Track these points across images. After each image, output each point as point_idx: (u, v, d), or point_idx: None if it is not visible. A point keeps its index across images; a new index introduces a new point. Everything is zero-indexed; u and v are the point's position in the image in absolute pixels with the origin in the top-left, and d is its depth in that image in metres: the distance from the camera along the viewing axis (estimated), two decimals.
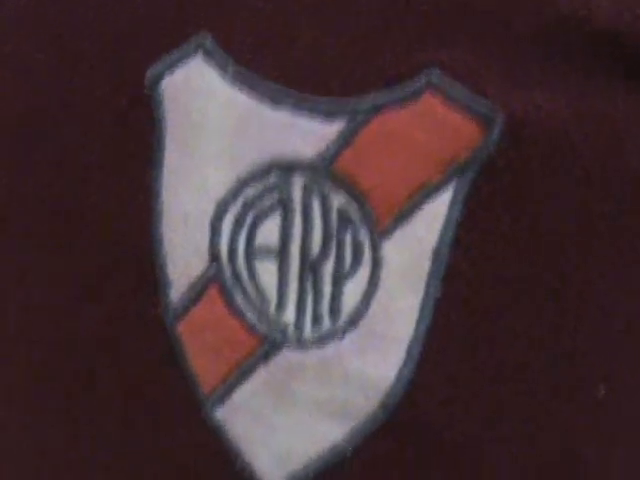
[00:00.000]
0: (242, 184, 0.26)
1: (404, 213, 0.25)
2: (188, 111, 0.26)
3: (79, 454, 0.29)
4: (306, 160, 0.25)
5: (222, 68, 0.25)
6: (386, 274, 0.25)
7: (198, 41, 0.26)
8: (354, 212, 0.25)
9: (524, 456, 0.25)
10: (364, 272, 0.25)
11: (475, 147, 0.24)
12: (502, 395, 0.25)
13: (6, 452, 0.31)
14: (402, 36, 0.24)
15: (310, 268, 0.25)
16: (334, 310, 0.25)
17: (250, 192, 0.26)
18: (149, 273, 0.27)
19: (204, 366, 0.27)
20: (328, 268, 0.25)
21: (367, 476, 0.26)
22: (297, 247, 0.25)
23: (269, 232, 0.26)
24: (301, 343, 0.26)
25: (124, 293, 0.28)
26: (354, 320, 0.25)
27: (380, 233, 0.25)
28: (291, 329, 0.26)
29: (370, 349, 0.25)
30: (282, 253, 0.26)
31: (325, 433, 0.26)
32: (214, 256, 0.26)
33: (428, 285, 0.25)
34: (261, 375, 0.26)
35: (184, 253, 0.27)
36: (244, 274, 0.26)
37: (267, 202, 0.26)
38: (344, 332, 0.25)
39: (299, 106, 0.25)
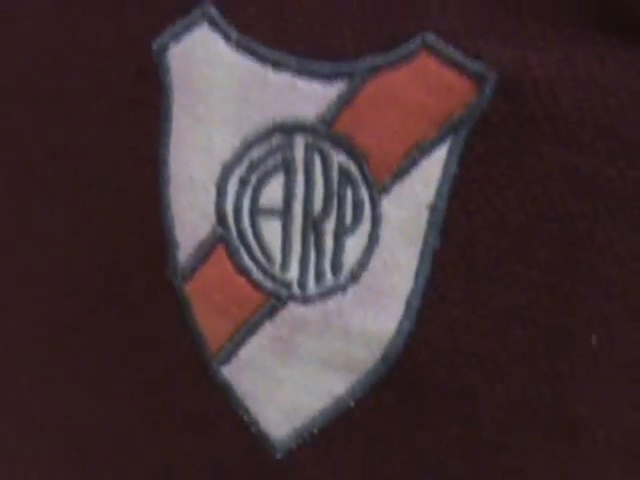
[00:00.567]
0: (246, 146, 0.27)
1: (401, 170, 0.26)
2: (194, 78, 0.27)
3: (90, 408, 0.30)
4: (307, 121, 0.26)
5: (226, 36, 0.26)
6: (385, 229, 0.26)
7: (202, 10, 0.27)
8: (354, 170, 0.26)
9: (519, 405, 0.26)
10: (364, 228, 0.26)
11: (469, 104, 0.25)
12: (500, 344, 0.26)
13: (24, 418, 0.32)
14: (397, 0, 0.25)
15: (312, 226, 0.26)
16: (336, 265, 0.26)
17: (254, 154, 0.27)
18: (157, 236, 0.28)
19: (211, 325, 0.28)
20: (330, 225, 0.26)
21: (370, 428, 0.27)
22: (300, 206, 0.26)
23: (273, 192, 0.27)
24: (305, 298, 0.27)
25: (133, 256, 0.29)
26: (355, 275, 0.26)
27: (379, 190, 0.26)
28: (295, 285, 0.27)
29: (371, 303, 0.26)
30: (285, 212, 0.27)
31: (329, 387, 0.27)
32: (220, 217, 0.27)
33: (426, 238, 0.26)
34: (267, 331, 0.27)
35: (191, 215, 0.28)
36: (249, 234, 0.27)
37: (271, 163, 0.27)
38: (346, 287, 0.26)
39: (299, 70, 0.26)
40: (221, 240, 0.27)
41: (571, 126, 0.25)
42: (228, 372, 0.28)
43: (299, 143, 0.26)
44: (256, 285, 0.27)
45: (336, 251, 0.26)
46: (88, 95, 0.29)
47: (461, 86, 0.25)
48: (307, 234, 0.27)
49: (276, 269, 0.27)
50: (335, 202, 0.26)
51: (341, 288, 0.27)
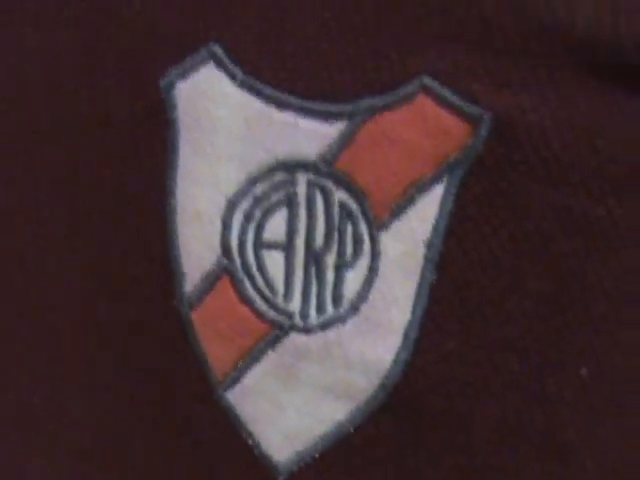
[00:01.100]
0: (251, 182, 0.28)
1: (400, 207, 0.27)
2: (200, 115, 0.28)
3: (100, 427, 0.31)
4: (309, 159, 0.27)
5: (231, 75, 0.27)
6: (384, 263, 0.27)
7: (209, 50, 0.28)
8: (354, 207, 0.27)
9: (512, 429, 0.27)
10: (364, 262, 0.27)
11: (464, 146, 0.26)
12: (493, 373, 0.27)
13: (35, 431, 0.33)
14: (395, 41, 0.26)
15: (314, 259, 0.28)
16: (336, 298, 0.28)
17: (258, 190, 0.28)
18: (164, 265, 0.29)
19: (216, 352, 0.29)
20: (331, 259, 0.27)
21: (368, 453, 0.28)
22: (302, 240, 0.28)
23: (276, 226, 0.28)
24: (307, 328, 0.28)
25: (141, 284, 0.30)
26: (355, 306, 0.27)
27: (378, 226, 0.27)
28: (297, 315, 0.28)
29: (370, 333, 0.27)
30: (288, 246, 0.28)
31: (329, 412, 0.28)
32: (225, 249, 0.28)
33: (423, 272, 0.27)
34: (270, 359, 0.28)
35: (197, 247, 0.29)
36: (253, 265, 0.28)
37: (274, 199, 0.28)
38: (345, 318, 0.27)
39: (302, 110, 0.27)
40: (226, 271, 0.28)
41: (562, 168, 0.26)
42: (232, 397, 0.29)
43: (301, 180, 0.27)
44: (259, 315, 0.28)
45: (337, 284, 0.27)
46: (98, 129, 0.30)
47: (457, 128, 0.26)
48: (309, 267, 0.28)
49: (279, 300, 0.28)
50: (336, 237, 0.27)
51: (341, 319, 0.28)
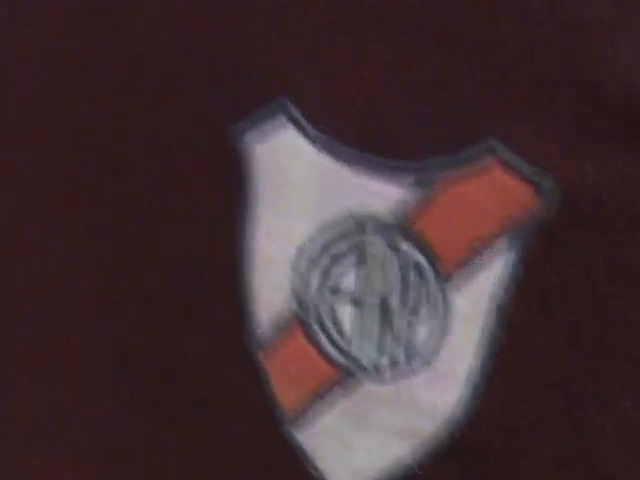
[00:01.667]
0: (321, 233, 0.29)
1: (468, 264, 0.28)
2: (275, 171, 0.29)
3: (151, 457, 0.33)
4: (379, 215, 0.28)
5: (304, 132, 0.29)
6: (454, 319, 0.28)
7: (283, 108, 0.29)
8: (425, 264, 0.28)
9: (561, 468, 0.29)
10: (436, 319, 0.29)
11: (530, 209, 0.27)
12: (546, 410, 0.29)
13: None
14: (463, 102, 0.28)
15: (386, 313, 0.29)
16: (409, 353, 0.29)
17: (328, 239, 0.29)
18: (235, 307, 0.31)
19: (286, 393, 0.31)
20: (404, 314, 0.29)
21: None
22: (374, 293, 0.29)
23: (347, 277, 0.29)
24: (379, 379, 0.29)
25: (213, 322, 0.31)
26: (427, 360, 0.29)
27: (448, 282, 0.28)
28: (371, 367, 0.29)
29: (438, 382, 0.29)
30: (360, 297, 0.29)
31: (396, 452, 0.30)
32: (295, 295, 0.30)
33: (488, 324, 0.28)
34: (342, 404, 0.30)
35: (268, 291, 0.30)
36: (325, 313, 0.30)
37: (343, 249, 0.29)
38: (418, 370, 0.29)
39: (373, 168, 0.28)
40: (297, 316, 0.30)
41: (616, 224, 0.27)
42: (301, 436, 0.31)
43: (372, 236, 0.29)
44: (330, 361, 0.30)
45: (410, 339, 0.29)
46: (175, 174, 0.31)
47: (522, 191, 0.27)
48: (381, 321, 0.29)
49: (352, 350, 0.30)
50: (408, 293, 0.29)
51: (413, 372, 0.29)
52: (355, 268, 0.29)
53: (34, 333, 0.35)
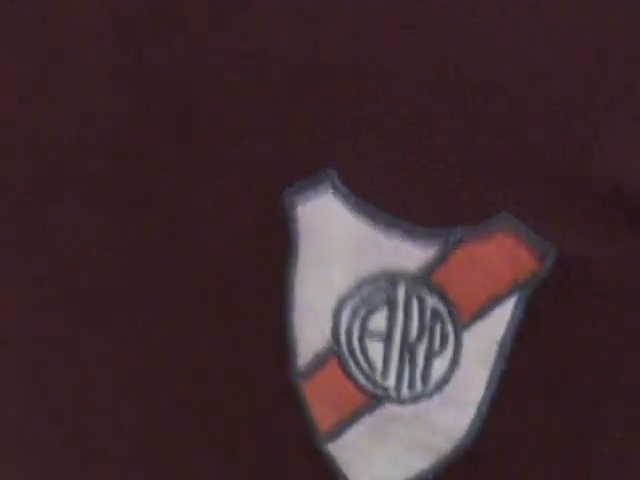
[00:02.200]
0: (358, 286, 0.35)
1: (479, 313, 0.34)
2: (318, 231, 0.35)
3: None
4: (408, 272, 0.34)
5: (345, 199, 0.34)
6: (464, 355, 0.35)
7: (326, 174, 0.34)
8: (443, 310, 0.34)
9: (566, 475, 0.36)
10: (449, 353, 0.35)
11: (533, 272, 0.33)
12: (546, 434, 0.35)
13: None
14: (481, 182, 0.33)
15: (408, 349, 0.35)
16: (425, 378, 0.35)
17: (364, 291, 0.35)
18: (280, 344, 0.36)
19: (321, 414, 0.36)
20: (422, 348, 0.35)
21: None
22: (399, 333, 0.35)
23: (378, 321, 0.35)
24: (399, 400, 0.35)
25: (260, 356, 0.37)
26: (439, 386, 0.35)
27: (461, 326, 0.34)
28: (392, 391, 0.35)
29: (450, 406, 0.35)
30: (387, 336, 0.35)
31: (413, 463, 0.36)
32: (334, 336, 0.35)
33: (495, 363, 0.34)
34: (366, 422, 0.36)
35: (309, 332, 0.36)
36: (357, 350, 0.35)
37: (377, 299, 0.35)
38: (432, 394, 0.35)
39: (405, 233, 0.34)
40: (334, 353, 0.36)
41: (611, 289, 0.33)
42: (332, 448, 0.37)
43: (401, 286, 0.35)
44: (359, 387, 0.36)
45: (426, 368, 0.35)
46: (229, 234, 0.36)
47: (529, 256, 0.33)
48: (404, 354, 0.35)
49: (377, 377, 0.35)
50: (427, 332, 0.35)
51: (428, 395, 0.35)
52: (385, 314, 0.35)
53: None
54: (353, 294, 0.35)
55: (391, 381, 0.35)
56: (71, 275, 0.39)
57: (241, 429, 0.38)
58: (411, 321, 0.35)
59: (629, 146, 0.32)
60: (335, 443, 0.37)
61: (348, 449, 0.37)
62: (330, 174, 0.34)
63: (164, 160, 0.36)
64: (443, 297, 0.34)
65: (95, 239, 0.38)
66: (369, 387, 0.36)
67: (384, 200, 0.34)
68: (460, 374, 0.35)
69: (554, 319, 0.34)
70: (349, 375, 0.36)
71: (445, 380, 0.35)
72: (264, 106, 0.35)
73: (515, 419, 0.35)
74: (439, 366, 0.35)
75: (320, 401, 0.36)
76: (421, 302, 0.35)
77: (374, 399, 0.36)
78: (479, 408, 0.35)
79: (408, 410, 0.35)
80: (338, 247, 0.35)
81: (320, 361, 0.36)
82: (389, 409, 0.36)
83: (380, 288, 0.35)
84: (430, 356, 0.35)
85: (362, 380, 0.36)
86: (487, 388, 0.35)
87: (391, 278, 0.35)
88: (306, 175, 0.35)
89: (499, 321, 0.34)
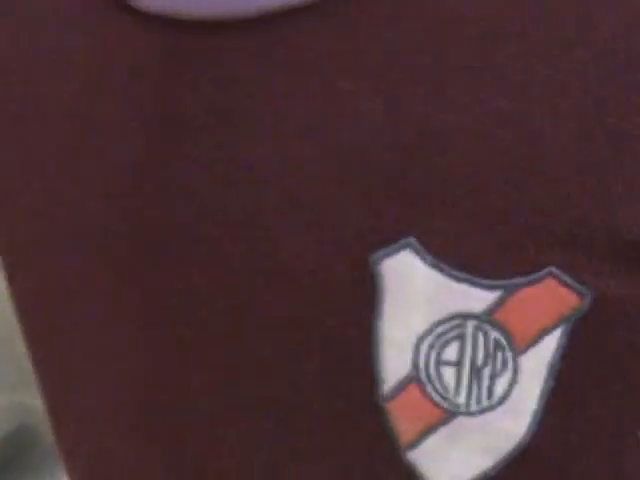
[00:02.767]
0: (435, 325, 0.44)
1: (532, 343, 0.43)
2: (400, 283, 0.44)
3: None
4: (476, 313, 0.43)
5: (423, 258, 0.43)
6: (521, 375, 0.44)
7: (407, 241, 0.43)
8: (504, 342, 0.43)
9: (599, 469, 0.45)
10: (509, 374, 0.44)
11: (575, 308, 0.42)
12: (584, 432, 0.44)
13: None
14: (531, 239, 0.42)
15: (476, 372, 0.44)
16: (490, 395, 0.44)
17: (439, 330, 0.44)
18: (368, 374, 0.45)
19: (403, 428, 0.45)
20: (487, 372, 0.44)
21: None
22: (468, 360, 0.44)
23: (450, 352, 0.44)
24: (469, 413, 0.44)
25: (348, 385, 0.45)
26: (501, 401, 0.44)
27: (519, 352, 0.43)
28: (463, 406, 0.44)
29: (511, 415, 0.44)
30: (458, 364, 0.44)
31: (480, 463, 0.45)
32: (415, 365, 0.44)
33: (546, 381, 0.43)
34: (442, 432, 0.45)
35: (393, 363, 0.44)
36: (434, 376, 0.44)
37: (450, 335, 0.44)
38: (496, 406, 0.44)
39: (473, 283, 0.43)
40: (414, 378, 0.44)
41: (635, 325, 0.43)
42: (413, 455, 0.45)
43: (470, 324, 0.43)
44: (436, 405, 0.44)
45: (490, 386, 0.44)
46: (315, 286, 0.45)
47: (571, 298, 0.42)
48: (472, 377, 0.44)
49: (450, 396, 0.44)
50: (491, 359, 0.44)
51: (493, 407, 0.44)
52: (456, 346, 0.44)
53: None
54: (430, 332, 0.44)
55: (462, 399, 0.44)
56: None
57: (337, 451, 0.47)
58: (478, 351, 0.44)
59: None
60: (415, 451, 0.45)
61: (426, 455, 0.45)
62: (411, 240, 0.43)
63: (266, 227, 0.45)
64: (503, 331, 0.43)
65: (197, 299, 0.47)
66: (444, 404, 0.44)
67: (455, 260, 0.43)
68: (518, 390, 0.44)
69: (593, 343, 0.43)
70: (427, 396, 0.45)
71: (506, 395, 0.44)
72: (366, 186, 0.43)
73: (562, 422, 0.44)
74: (501, 385, 0.44)
75: (402, 418, 0.45)
76: (486, 335, 0.44)
77: (448, 413, 0.45)
78: (534, 415, 0.44)
79: (476, 420, 0.44)
80: (417, 296, 0.44)
81: (402, 386, 0.45)
82: (460, 420, 0.44)
83: (452, 326, 0.44)
84: (494, 377, 0.44)
85: (438, 399, 0.44)
86: (540, 399, 0.44)
87: (461, 318, 0.43)
88: (395, 240, 0.43)
89: (548, 347, 0.43)
